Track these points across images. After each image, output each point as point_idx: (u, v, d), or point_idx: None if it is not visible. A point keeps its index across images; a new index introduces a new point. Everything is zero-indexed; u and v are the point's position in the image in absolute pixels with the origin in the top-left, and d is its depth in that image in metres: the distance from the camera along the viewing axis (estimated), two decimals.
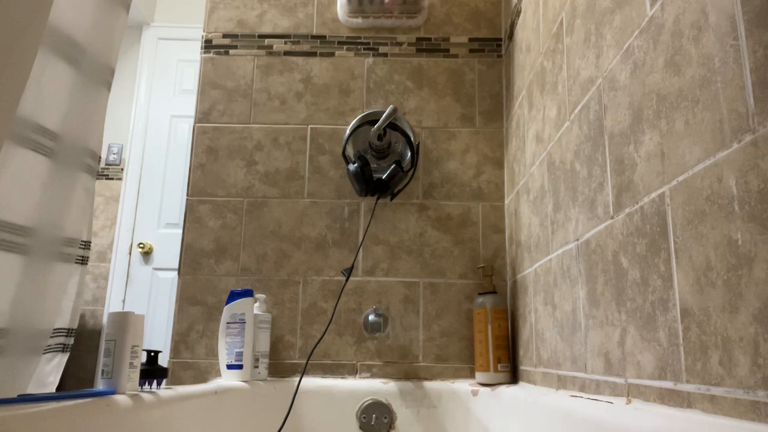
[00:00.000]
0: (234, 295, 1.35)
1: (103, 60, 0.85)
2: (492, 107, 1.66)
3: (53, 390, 0.82)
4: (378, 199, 1.51)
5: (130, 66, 3.30)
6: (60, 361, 0.84)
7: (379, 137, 1.54)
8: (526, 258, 1.31)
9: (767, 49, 0.49)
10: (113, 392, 0.76)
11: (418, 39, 1.70)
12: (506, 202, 1.58)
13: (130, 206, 3.12)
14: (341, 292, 1.40)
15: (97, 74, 0.84)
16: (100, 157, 1.01)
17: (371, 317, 1.51)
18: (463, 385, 1.42)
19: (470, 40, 1.70)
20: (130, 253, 3.04)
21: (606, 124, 0.84)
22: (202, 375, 1.49)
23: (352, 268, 1.41)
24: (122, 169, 3.20)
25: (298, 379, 1.46)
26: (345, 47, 1.69)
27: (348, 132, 1.60)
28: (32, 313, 0.77)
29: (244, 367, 1.31)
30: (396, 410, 1.41)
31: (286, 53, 1.69)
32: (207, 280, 1.55)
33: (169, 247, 3.01)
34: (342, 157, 1.59)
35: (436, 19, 1.71)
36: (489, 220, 1.58)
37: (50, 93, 0.76)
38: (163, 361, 1.55)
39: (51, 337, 0.81)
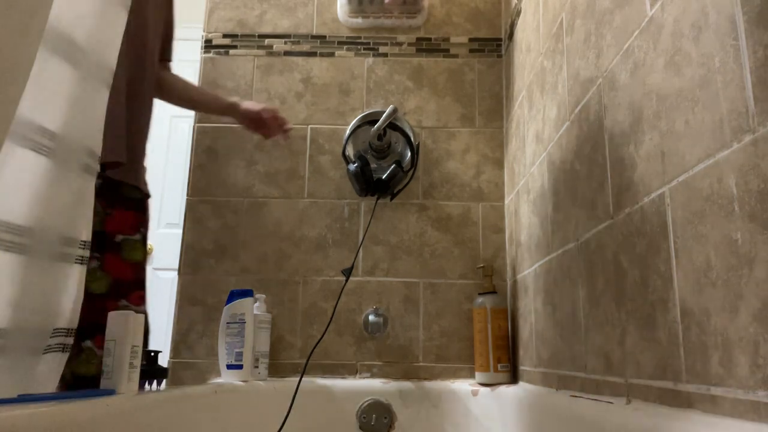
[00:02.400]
0: (234, 295, 1.35)
1: (103, 60, 0.85)
2: (492, 107, 1.66)
3: (53, 390, 0.82)
4: (378, 199, 1.51)
5: None
6: (60, 361, 0.84)
7: (379, 137, 1.54)
8: (526, 258, 1.31)
9: (767, 49, 0.49)
10: (113, 392, 0.76)
11: (418, 39, 1.70)
12: (506, 202, 1.58)
13: None
14: (341, 292, 1.40)
15: (97, 74, 0.84)
16: (99, 157, 1.01)
17: (371, 317, 1.51)
18: (463, 385, 1.42)
19: (470, 40, 1.70)
20: None
21: (606, 124, 0.84)
22: (202, 375, 1.49)
23: (352, 268, 1.40)
24: None
25: (298, 379, 1.46)
26: (345, 47, 1.69)
27: (348, 132, 1.60)
28: (32, 313, 0.77)
29: (244, 367, 1.31)
30: (396, 410, 1.41)
31: (286, 53, 1.69)
32: (207, 280, 1.55)
33: (169, 247, 3.00)
34: (342, 157, 1.59)
35: (436, 19, 1.71)
36: (489, 220, 1.58)
37: (50, 93, 0.76)
38: (163, 361, 1.56)
39: (51, 337, 0.81)
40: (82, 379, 1.06)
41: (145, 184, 1.24)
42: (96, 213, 1.12)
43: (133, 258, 1.16)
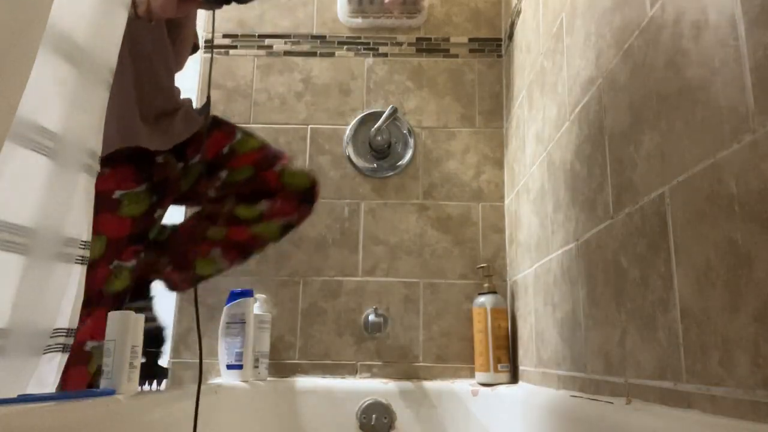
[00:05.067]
0: (234, 296, 1.35)
1: (103, 60, 0.85)
2: (492, 107, 1.66)
3: (53, 390, 0.82)
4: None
5: None
6: (60, 361, 0.84)
7: (379, 136, 1.55)
8: (526, 258, 1.31)
9: (767, 49, 0.49)
10: (113, 392, 0.76)
11: (418, 39, 1.70)
12: (506, 202, 1.58)
13: None
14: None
15: (97, 74, 0.84)
16: (99, 157, 1.01)
17: (371, 317, 1.51)
18: (463, 385, 1.42)
19: (470, 40, 1.70)
20: None
21: (606, 124, 0.84)
22: (203, 375, 1.49)
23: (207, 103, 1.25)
24: None
25: (298, 378, 1.46)
26: (345, 47, 1.69)
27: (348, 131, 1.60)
28: (32, 313, 0.77)
29: (244, 367, 1.31)
30: (396, 410, 1.41)
31: (286, 53, 1.69)
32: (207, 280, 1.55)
33: None
34: None
35: (436, 19, 1.71)
36: (489, 220, 1.58)
37: (50, 93, 0.76)
38: (164, 361, 1.56)
39: (51, 337, 0.81)
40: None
41: (139, 138, 1.10)
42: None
43: (130, 213, 1.08)
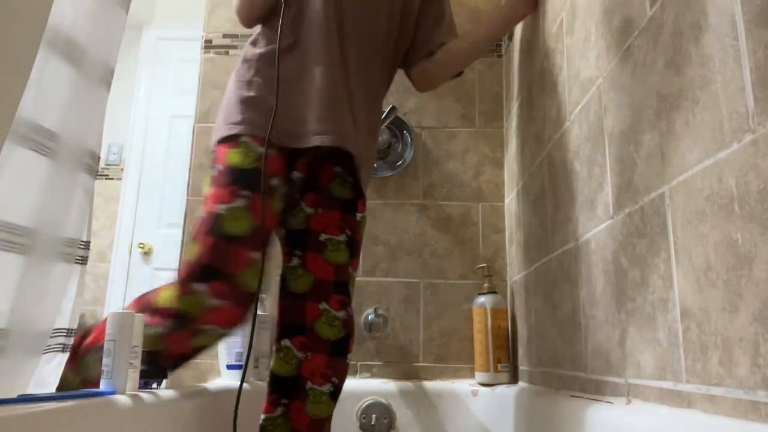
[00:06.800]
0: None
1: (102, 60, 0.85)
2: (492, 107, 1.65)
3: (53, 390, 0.82)
4: None
5: (130, 66, 3.29)
6: (60, 361, 0.84)
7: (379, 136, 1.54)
8: (526, 258, 1.31)
9: (767, 49, 0.49)
10: (113, 392, 0.76)
11: None
12: (506, 202, 1.58)
13: (130, 206, 3.12)
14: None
15: (96, 74, 0.84)
16: (99, 157, 1.01)
17: (371, 317, 1.51)
18: (463, 385, 1.42)
19: None
20: (130, 253, 3.04)
21: (606, 124, 0.84)
22: (202, 375, 1.49)
23: None
24: (122, 169, 3.20)
25: None
26: None
27: None
28: (32, 313, 0.77)
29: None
30: (396, 410, 1.41)
31: None
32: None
33: (169, 247, 3.00)
34: None
35: None
36: (489, 220, 1.58)
37: (50, 93, 0.76)
38: None
39: (51, 337, 0.81)
40: (279, 378, 1.06)
41: (357, 181, 1.12)
42: (300, 210, 1.11)
43: (334, 259, 1.09)
